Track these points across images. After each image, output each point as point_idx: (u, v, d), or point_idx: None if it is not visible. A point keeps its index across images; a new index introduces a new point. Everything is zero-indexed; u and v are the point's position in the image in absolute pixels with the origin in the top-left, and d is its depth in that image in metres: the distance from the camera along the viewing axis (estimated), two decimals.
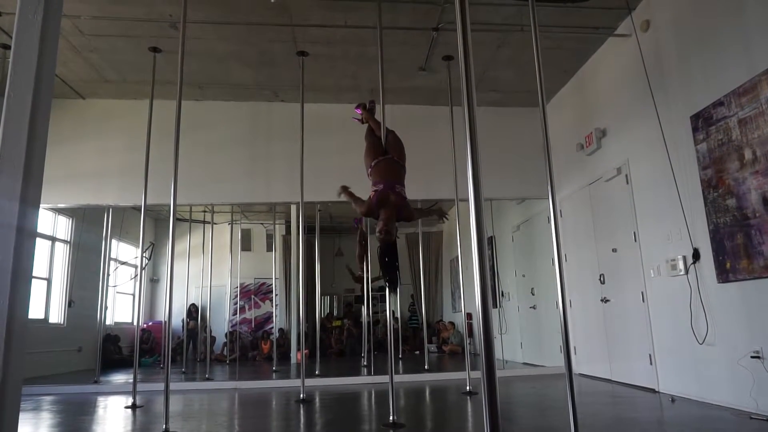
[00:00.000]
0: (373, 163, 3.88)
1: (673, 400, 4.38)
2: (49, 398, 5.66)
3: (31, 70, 1.73)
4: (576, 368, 6.30)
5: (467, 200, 1.61)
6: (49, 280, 8.09)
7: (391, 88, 5.95)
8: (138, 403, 4.98)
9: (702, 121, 4.17)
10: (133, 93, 6.70)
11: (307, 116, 5.91)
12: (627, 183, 5.32)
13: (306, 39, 5.62)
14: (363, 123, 4.54)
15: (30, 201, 1.67)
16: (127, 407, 4.94)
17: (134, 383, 5.14)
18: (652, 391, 4.86)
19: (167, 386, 3.81)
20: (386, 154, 3.95)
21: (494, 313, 8.71)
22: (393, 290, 3.87)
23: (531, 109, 7.00)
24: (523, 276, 8.25)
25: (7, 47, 5.37)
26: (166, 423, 3.66)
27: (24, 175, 1.66)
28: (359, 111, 4.58)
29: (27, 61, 1.74)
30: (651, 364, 4.92)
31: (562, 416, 3.24)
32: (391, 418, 3.78)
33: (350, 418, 4.49)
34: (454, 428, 3.94)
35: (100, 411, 5.05)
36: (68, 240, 8.49)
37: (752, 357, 3.67)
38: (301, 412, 4.61)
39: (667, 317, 4.69)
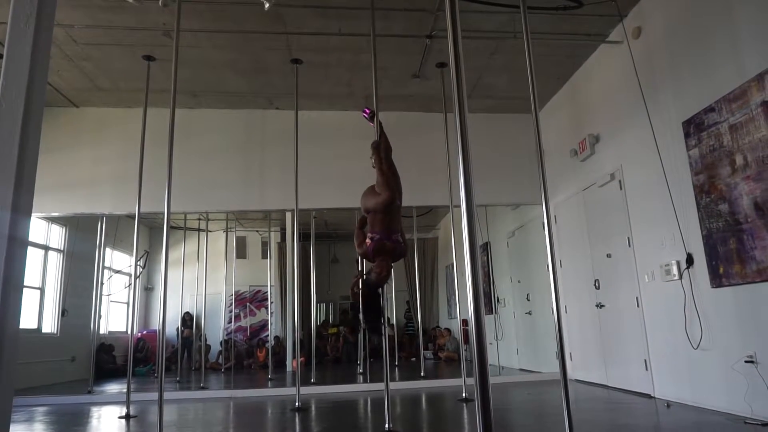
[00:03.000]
0: (373, 212, 3.55)
1: (668, 406, 4.37)
2: (41, 409, 5.61)
3: (23, 80, 1.73)
4: (572, 374, 6.29)
5: (461, 207, 1.61)
6: (42, 290, 8.04)
7: (385, 95, 5.97)
8: (132, 413, 4.94)
9: (694, 127, 4.20)
10: (127, 101, 6.70)
11: (302, 124, 5.93)
12: (620, 188, 5.35)
13: (300, 47, 5.64)
14: (371, 123, 4.31)
15: (21, 209, 1.66)
16: (120, 417, 4.90)
17: (128, 393, 5.09)
18: (648, 396, 4.86)
19: (161, 396, 3.78)
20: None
21: (490, 319, 8.73)
22: (374, 335, 3.73)
23: (525, 116, 7.00)
24: (519, 282, 8.25)
25: None
26: None
27: (15, 183, 1.65)
28: (368, 112, 4.33)
29: (19, 71, 1.73)
30: (646, 369, 4.93)
31: (558, 423, 3.23)
32: (386, 425, 3.77)
33: (346, 426, 4.46)
34: None
35: (93, 421, 5.00)
36: (62, 249, 8.45)
37: (746, 362, 3.68)
38: (297, 420, 4.58)
39: (662, 322, 4.70)
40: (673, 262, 4.46)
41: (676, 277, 4.42)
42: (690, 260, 4.27)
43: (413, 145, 6.49)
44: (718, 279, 3.96)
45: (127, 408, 4.97)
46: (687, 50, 4.35)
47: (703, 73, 4.15)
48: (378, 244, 3.45)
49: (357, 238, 3.64)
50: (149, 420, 4.76)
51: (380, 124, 4.19)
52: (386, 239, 3.47)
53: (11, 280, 1.61)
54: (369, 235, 3.54)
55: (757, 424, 3.47)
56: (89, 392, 6.56)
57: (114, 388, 7.27)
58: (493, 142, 6.98)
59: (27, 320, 7.60)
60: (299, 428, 4.28)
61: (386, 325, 4.22)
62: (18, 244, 1.65)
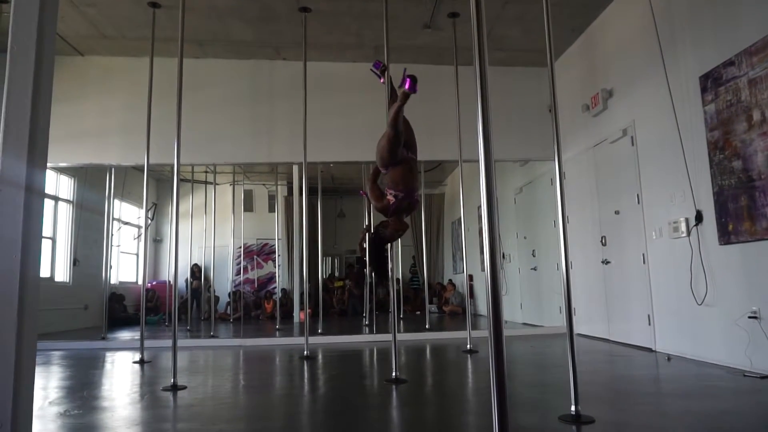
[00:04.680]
0: (392, 166, 3.46)
1: (669, 359, 4.47)
2: (58, 353, 5.79)
3: (33, 24, 1.70)
4: (575, 328, 6.39)
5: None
6: (53, 239, 8.16)
7: (394, 46, 5.80)
8: (145, 358, 5.10)
9: (711, 82, 4.11)
10: (133, 50, 6.58)
11: (310, 75, 5.82)
12: (632, 145, 5.29)
13: None
14: (382, 79, 4.12)
15: (37, 161, 1.67)
16: (135, 362, 5.06)
17: (141, 339, 5.25)
18: (649, 350, 4.96)
19: (175, 341, 3.90)
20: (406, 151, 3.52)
21: None
22: (382, 281, 3.80)
23: (536, 70, 6.89)
24: (525, 238, 8.29)
25: (5, 1, 5.25)
26: (174, 377, 3.76)
27: (30, 136, 1.65)
28: (378, 66, 4.13)
29: (28, 15, 1.70)
30: (649, 324, 5.01)
31: (561, 373, 3.32)
32: (393, 373, 3.87)
33: (353, 373, 4.60)
34: (455, 383, 4.04)
35: (108, 365, 5.17)
36: (71, 200, 8.52)
37: (750, 317, 3.73)
38: (305, 367, 4.72)
39: (667, 279, 4.74)
40: (682, 219, 4.46)
41: (684, 234, 4.43)
42: (699, 217, 4.26)
43: (422, 99, 6.32)
44: (726, 236, 3.97)
45: (141, 353, 5.13)
46: (708, 1, 4.20)
47: (725, 25, 4.02)
48: (403, 202, 3.43)
49: (373, 192, 3.57)
50: (162, 365, 4.92)
51: (391, 78, 4.10)
52: (409, 198, 3.44)
53: (30, 230, 1.64)
54: (392, 191, 3.45)
55: (756, 377, 3.55)
56: (103, 338, 6.76)
57: (126, 335, 7.48)
58: (503, 96, 6.84)
59: (41, 269, 7.74)
60: (309, 375, 4.42)
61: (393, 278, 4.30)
62: (35, 194, 1.67)
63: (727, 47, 3.96)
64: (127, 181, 8.74)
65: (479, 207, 1.64)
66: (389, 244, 3.81)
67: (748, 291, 3.78)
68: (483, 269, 1.56)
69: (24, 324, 1.60)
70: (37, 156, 1.69)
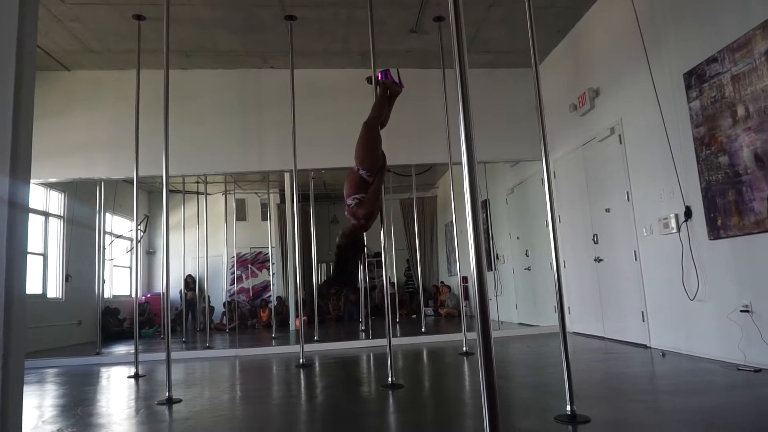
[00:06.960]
0: None
1: (663, 355, 4.49)
2: (52, 371, 5.74)
3: (12, 41, 1.69)
4: (570, 327, 6.42)
5: (460, 164, 1.61)
6: (45, 256, 8.09)
7: (381, 51, 5.84)
8: (140, 372, 5.06)
9: (695, 79, 4.14)
10: (119, 63, 6.56)
11: (298, 82, 5.83)
12: (620, 143, 5.32)
13: (294, 2, 5.48)
14: (369, 83, 4.16)
15: (20, 174, 1.66)
16: (130, 377, 5.02)
17: (136, 353, 5.21)
18: (644, 346, 4.98)
19: (168, 354, 3.87)
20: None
21: (489, 275, 8.83)
22: (348, 289, 4.01)
23: (523, 71, 6.92)
24: (518, 238, 8.31)
25: None
26: (169, 390, 3.73)
27: (12, 148, 1.64)
28: (381, 76, 4.12)
29: (7, 31, 1.69)
30: (643, 321, 5.02)
31: (557, 373, 3.32)
32: (389, 379, 3.86)
33: (350, 380, 4.58)
34: (452, 387, 4.04)
35: (103, 381, 5.13)
36: (62, 215, 8.46)
37: (741, 311, 3.75)
38: (302, 376, 4.70)
39: (660, 275, 4.76)
40: (672, 215, 4.49)
41: (674, 230, 4.45)
42: (688, 213, 4.29)
43: (410, 103, 6.37)
44: (716, 231, 3.99)
45: (136, 368, 5.08)
46: None
47: (707, 22, 4.06)
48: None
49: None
50: (157, 379, 4.88)
51: (383, 82, 4.06)
52: (347, 208, 3.71)
53: (14, 246, 1.62)
54: None
55: (749, 370, 3.56)
56: (97, 354, 6.71)
57: (121, 349, 7.42)
58: (492, 98, 6.89)
59: (32, 286, 7.67)
60: (305, 383, 4.40)
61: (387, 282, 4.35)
62: (19, 209, 1.65)
63: (709, 44, 4.00)
64: (118, 195, 8.69)
65: None
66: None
67: (739, 285, 3.81)
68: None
69: (10, 344, 1.57)
70: (19, 170, 1.67)
